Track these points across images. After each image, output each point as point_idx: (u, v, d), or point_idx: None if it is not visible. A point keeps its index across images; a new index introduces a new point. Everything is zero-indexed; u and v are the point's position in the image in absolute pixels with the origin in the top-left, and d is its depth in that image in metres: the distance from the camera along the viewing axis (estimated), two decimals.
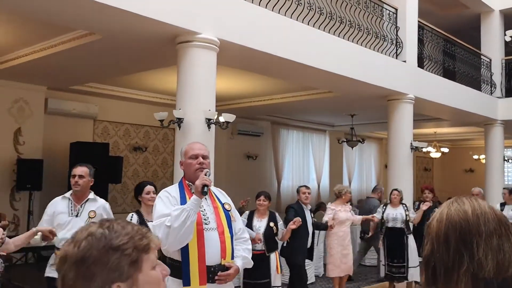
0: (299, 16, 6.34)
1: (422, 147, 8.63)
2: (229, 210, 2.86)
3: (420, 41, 8.94)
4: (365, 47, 7.46)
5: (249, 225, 5.02)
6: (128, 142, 9.93)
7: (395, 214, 6.67)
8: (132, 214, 4.20)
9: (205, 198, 2.72)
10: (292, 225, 5.05)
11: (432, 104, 9.15)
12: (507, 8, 10.67)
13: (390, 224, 6.66)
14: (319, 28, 6.60)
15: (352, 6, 7.19)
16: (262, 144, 12.31)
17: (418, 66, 8.71)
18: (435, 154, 15.60)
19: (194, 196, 2.61)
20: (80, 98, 8.89)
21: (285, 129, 13.04)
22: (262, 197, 5.14)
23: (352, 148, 12.64)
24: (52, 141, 8.53)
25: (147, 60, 6.36)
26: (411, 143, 8.30)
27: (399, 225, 6.62)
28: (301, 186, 6.09)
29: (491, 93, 11.04)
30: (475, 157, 16.88)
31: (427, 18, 9.44)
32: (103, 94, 9.00)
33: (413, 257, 6.58)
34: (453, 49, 10.11)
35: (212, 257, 2.65)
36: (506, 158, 11.55)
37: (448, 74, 10.02)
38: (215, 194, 2.89)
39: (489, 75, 11.14)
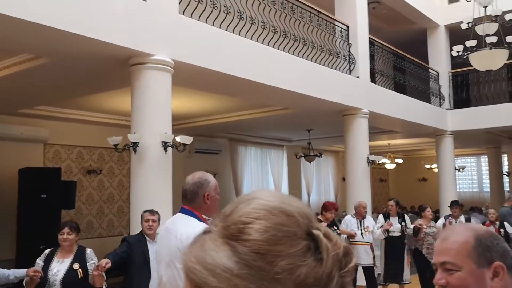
0: (253, 34, 6.36)
1: (378, 161, 8.81)
2: None
3: (372, 57, 9.17)
4: (319, 64, 7.56)
5: None
6: (82, 165, 9.60)
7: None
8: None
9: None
10: None
11: (385, 117, 9.37)
12: (451, 23, 11.13)
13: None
14: (273, 47, 6.63)
15: (305, 24, 7.28)
16: (220, 161, 12.21)
17: (371, 81, 8.92)
18: (390, 165, 15.98)
19: None
20: (28, 122, 8.53)
21: (243, 146, 13.01)
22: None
23: (310, 162, 12.75)
24: None
25: (99, 82, 6.19)
26: (368, 157, 8.44)
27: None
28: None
29: (440, 105, 11.44)
30: (428, 166, 17.45)
31: (377, 34, 9.72)
32: (54, 117, 8.67)
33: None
34: (402, 63, 10.43)
35: None
36: (457, 167, 11.97)
37: (399, 87, 10.32)
38: None
39: (438, 88, 11.56)
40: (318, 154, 11.98)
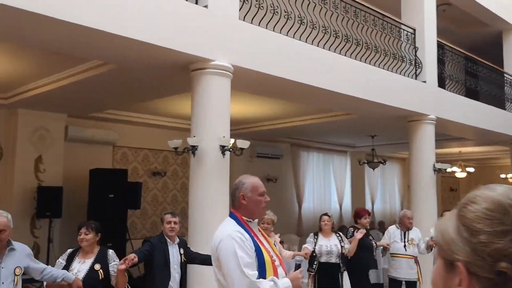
0: (314, 39, 6.30)
1: (445, 169, 8.40)
2: (275, 244, 2.82)
3: (441, 61, 8.79)
4: (383, 68, 7.36)
5: None
6: (147, 167, 9.96)
7: (329, 246, 5.64)
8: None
9: (260, 234, 2.69)
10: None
11: (455, 124, 8.94)
12: None
13: (323, 259, 5.64)
14: (334, 51, 6.54)
15: (368, 28, 7.12)
16: (282, 166, 12.20)
17: (439, 86, 8.54)
18: (460, 174, 15.22)
19: (289, 282, 2.48)
20: (99, 125, 8.99)
21: (305, 151, 12.92)
22: None
23: (374, 169, 12.43)
24: (72, 168, 8.60)
25: (162, 87, 6.40)
26: (434, 165, 8.08)
27: (333, 259, 5.63)
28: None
29: None
30: (503, 176, 16.41)
31: (446, 37, 9.30)
32: (122, 120, 9.08)
33: None
34: (475, 67, 9.90)
35: None
36: None
37: (471, 93, 9.81)
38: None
39: None
40: (382, 161, 11.64)
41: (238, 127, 9.84)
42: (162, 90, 6.60)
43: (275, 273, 2.52)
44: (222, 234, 2.54)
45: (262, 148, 11.49)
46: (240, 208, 2.64)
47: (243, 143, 5.49)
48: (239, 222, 2.59)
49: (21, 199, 7.92)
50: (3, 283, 3.35)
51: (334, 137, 12.21)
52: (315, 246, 5.63)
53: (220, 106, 5.20)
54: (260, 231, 2.75)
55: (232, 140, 5.65)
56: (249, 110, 8.70)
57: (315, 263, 5.59)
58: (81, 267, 3.85)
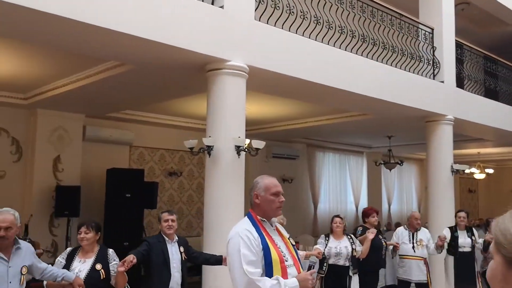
0: (330, 39, 6.27)
1: (463, 170, 8.29)
2: (294, 245, 2.81)
3: (459, 61, 8.67)
4: (400, 68, 7.29)
5: None
6: (164, 167, 10.02)
7: (338, 248, 5.52)
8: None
9: (276, 233, 2.70)
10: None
11: (474, 124, 8.82)
12: None
13: (331, 261, 5.50)
14: (351, 51, 6.50)
15: (385, 27, 7.06)
16: (297, 167, 12.17)
17: (458, 86, 8.43)
18: (479, 175, 15.00)
19: (296, 282, 2.49)
20: (116, 125, 9.07)
21: (321, 151, 12.87)
22: None
23: (390, 170, 12.32)
24: (90, 168, 8.71)
25: (178, 88, 6.43)
26: (452, 166, 7.98)
27: (342, 261, 5.50)
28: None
29: None
30: None
31: (465, 36, 9.18)
32: (138, 120, 9.16)
33: None
34: (494, 67, 9.75)
35: None
36: None
37: (490, 93, 9.65)
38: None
39: None
40: (399, 162, 11.54)
41: (253, 127, 9.85)
42: (178, 91, 6.63)
43: (284, 273, 2.53)
44: (232, 232, 2.63)
45: (278, 148, 11.48)
46: (255, 207, 2.71)
47: (259, 144, 5.50)
48: (253, 221, 2.64)
49: (40, 198, 8.05)
50: (10, 282, 3.30)
51: (350, 138, 12.13)
52: (325, 247, 5.53)
53: (236, 106, 5.20)
54: (277, 230, 2.76)
55: (248, 141, 5.66)
56: (265, 111, 8.69)
57: (325, 265, 5.47)
58: (82, 266, 3.79)
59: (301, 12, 5.90)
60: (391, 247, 6.38)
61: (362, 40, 6.70)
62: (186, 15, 4.77)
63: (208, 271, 5.06)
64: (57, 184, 8.14)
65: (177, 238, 4.49)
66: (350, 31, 6.53)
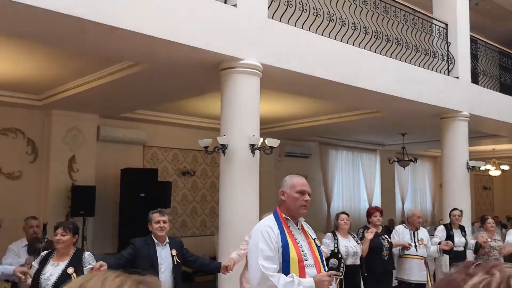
0: (344, 36, 6.23)
1: (479, 167, 8.20)
2: (319, 246, 2.81)
3: (474, 56, 8.57)
4: (415, 64, 7.22)
5: None
6: (177, 166, 10.05)
7: (354, 247, 5.23)
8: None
9: (300, 232, 2.72)
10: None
11: (489, 120, 8.72)
12: None
13: (350, 261, 5.15)
14: (364, 48, 6.45)
15: (399, 23, 7.00)
16: (310, 165, 12.13)
17: (473, 81, 8.34)
18: (494, 172, 14.83)
19: (312, 282, 2.50)
20: (130, 125, 9.12)
21: (333, 149, 12.81)
22: None
23: (404, 167, 12.23)
24: (104, 168, 8.76)
25: (191, 87, 6.44)
26: (467, 163, 7.89)
27: (358, 261, 5.22)
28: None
29: None
30: None
31: (479, 31, 9.07)
32: (152, 120, 9.19)
33: None
34: (509, 62, 9.62)
35: None
36: None
37: (506, 88, 9.53)
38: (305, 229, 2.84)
39: None
40: (413, 159, 11.44)
41: (266, 126, 9.83)
42: (192, 90, 6.64)
43: (301, 272, 2.55)
44: (254, 228, 2.71)
45: (291, 147, 11.45)
46: (281, 204, 2.77)
47: (273, 142, 5.48)
48: (277, 218, 2.70)
49: (56, 198, 8.11)
50: None
51: (363, 136, 12.06)
52: (337, 247, 5.17)
53: (250, 105, 5.20)
54: (303, 230, 2.77)
55: (262, 139, 5.65)
56: (278, 109, 8.68)
57: (342, 266, 5.06)
58: (54, 270, 3.55)
59: (314, 9, 5.88)
60: (398, 247, 5.95)
61: (375, 36, 6.65)
62: (199, 14, 4.77)
63: None
64: (72, 184, 8.20)
65: (168, 240, 4.15)
66: (363, 28, 6.49)
